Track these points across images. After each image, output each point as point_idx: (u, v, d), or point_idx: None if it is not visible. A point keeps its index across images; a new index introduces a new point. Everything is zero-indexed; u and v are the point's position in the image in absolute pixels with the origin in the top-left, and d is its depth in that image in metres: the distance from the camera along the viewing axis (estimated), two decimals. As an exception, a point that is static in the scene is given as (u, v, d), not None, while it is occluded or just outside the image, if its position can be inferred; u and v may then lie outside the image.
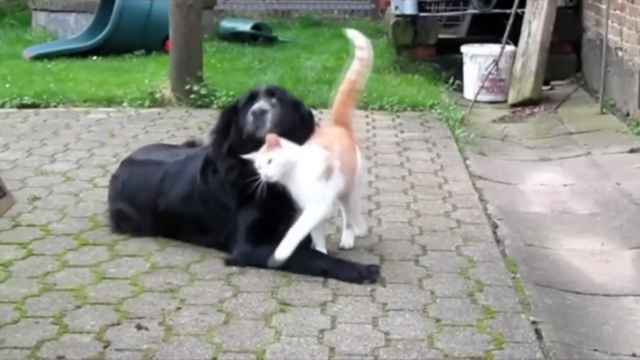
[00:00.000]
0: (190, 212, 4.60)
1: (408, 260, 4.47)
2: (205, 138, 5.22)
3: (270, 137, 4.14)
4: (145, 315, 3.82)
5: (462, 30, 10.64)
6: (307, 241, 4.30)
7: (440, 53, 9.69)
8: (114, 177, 5.07)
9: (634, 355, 3.76)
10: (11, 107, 7.89)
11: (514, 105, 8.70)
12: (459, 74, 9.18)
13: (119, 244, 4.66)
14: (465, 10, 10.41)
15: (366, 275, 4.21)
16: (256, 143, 4.23)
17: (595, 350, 3.75)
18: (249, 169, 4.20)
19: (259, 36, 11.22)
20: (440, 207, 5.30)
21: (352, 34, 4.62)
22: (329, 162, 4.20)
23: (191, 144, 5.35)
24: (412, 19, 9.62)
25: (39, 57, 9.92)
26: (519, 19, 8.84)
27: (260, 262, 4.27)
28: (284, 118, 4.37)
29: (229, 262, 4.38)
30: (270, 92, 4.47)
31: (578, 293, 4.34)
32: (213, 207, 4.52)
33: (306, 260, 4.29)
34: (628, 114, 7.62)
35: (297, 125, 4.42)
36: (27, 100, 7.97)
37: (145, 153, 5.15)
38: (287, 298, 4.01)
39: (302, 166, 4.17)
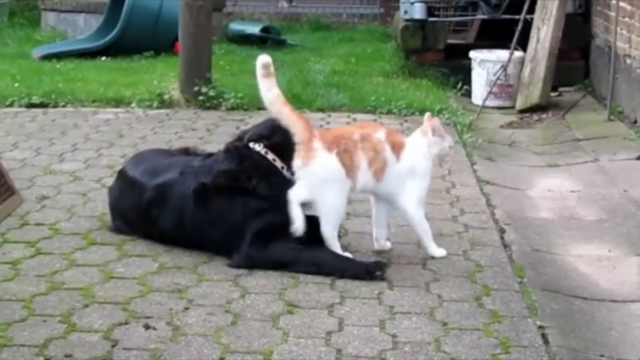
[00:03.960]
0: (186, 235, 4.54)
1: (415, 264, 4.48)
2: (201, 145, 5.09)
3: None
4: (153, 315, 3.83)
5: (470, 35, 10.63)
6: (314, 239, 4.34)
7: (448, 58, 9.70)
8: (110, 189, 5.01)
9: (640, 361, 3.77)
10: (20, 106, 7.90)
11: (521, 111, 8.69)
12: (467, 79, 9.18)
13: (127, 244, 4.67)
14: (474, 15, 10.42)
15: (374, 268, 4.24)
16: None
17: (602, 355, 3.75)
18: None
19: (268, 39, 11.22)
20: (447, 211, 5.31)
21: None
22: None
23: (186, 151, 5.18)
24: (421, 24, 9.63)
25: (48, 57, 9.92)
26: (527, 25, 8.83)
27: (266, 263, 4.31)
28: None
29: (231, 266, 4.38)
30: None
31: (585, 299, 4.34)
32: (212, 227, 4.46)
33: (313, 257, 4.31)
34: (636, 121, 7.61)
35: None
36: (35, 99, 7.98)
37: (136, 165, 4.91)
38: (295, 300, 4.02)
39: None
